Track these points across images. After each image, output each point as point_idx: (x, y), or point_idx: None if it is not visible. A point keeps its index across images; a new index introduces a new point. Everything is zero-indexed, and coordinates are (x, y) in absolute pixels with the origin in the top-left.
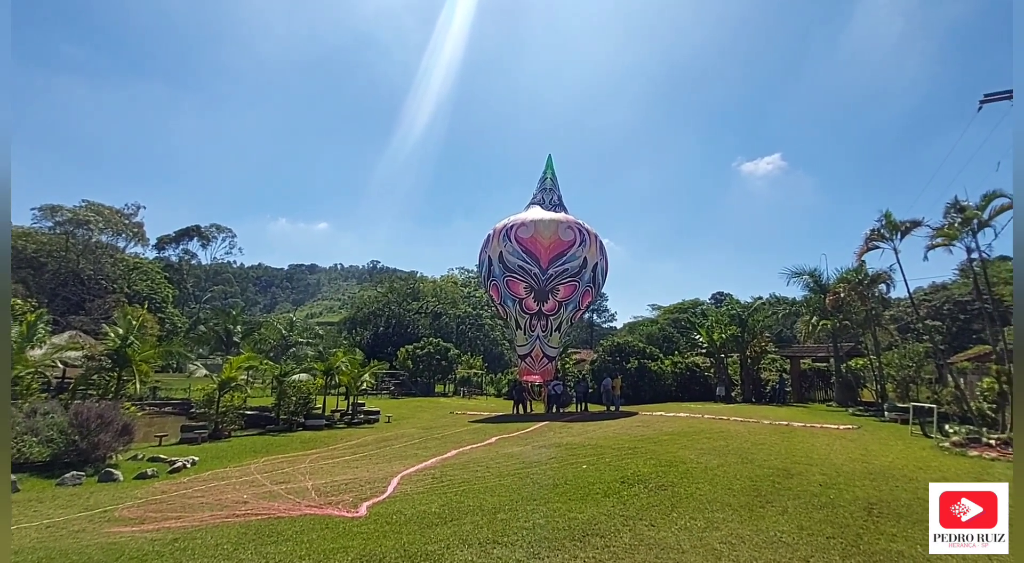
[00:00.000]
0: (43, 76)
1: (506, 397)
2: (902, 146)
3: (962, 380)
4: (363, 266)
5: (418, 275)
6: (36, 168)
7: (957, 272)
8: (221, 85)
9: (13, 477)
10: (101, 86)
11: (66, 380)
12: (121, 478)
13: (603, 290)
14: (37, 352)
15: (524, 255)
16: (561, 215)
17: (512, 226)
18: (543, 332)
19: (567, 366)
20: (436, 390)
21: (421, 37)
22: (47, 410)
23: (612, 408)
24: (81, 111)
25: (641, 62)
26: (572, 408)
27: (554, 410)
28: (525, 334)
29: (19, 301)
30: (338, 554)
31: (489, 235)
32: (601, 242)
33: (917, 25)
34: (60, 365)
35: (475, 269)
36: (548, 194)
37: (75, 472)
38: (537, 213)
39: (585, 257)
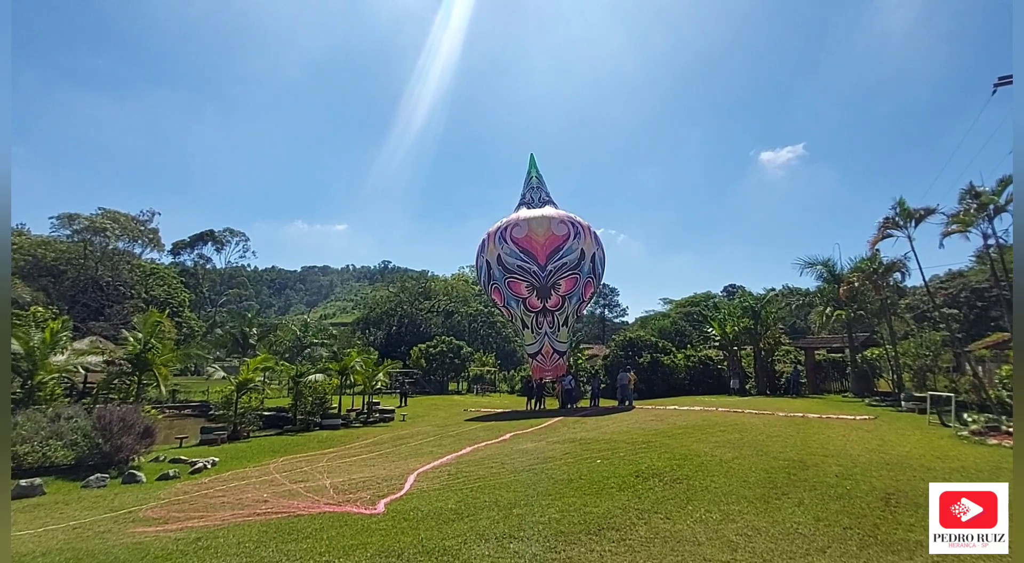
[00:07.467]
0: (63, 88)
1: (519, 394)
2: (921, 133)
3: (980, 368)
4: (375, 266)
5: (429, 274)
6: (55, 177)
7: (974, 259)
8: (229, 90)
9: (39, 481)
10: (114, 96)
11: (88, 385)
12: (144, 479)
13: (615, 286)
14: (60, 358)
15: (521, 254)
16: (552, 211)
17: (505, 227)
18: (550, 328)
19: (580, 362)
20: (450, 388)
21: (431, 38)
22: (71, 414)
23: (626, 403)
24: (97, 120)
25: (655, 54)
26: (585, 403)
27: (568, 406)
28: (533, 333)
29: (40, 309)
30: (357, 550)
31: (484, 240)
32: (595, 233)
33: (934, 8)
34: (82, 370)
35: None
36: (535, 192)
37: (99, 474)
38: (528, 212)
39: (582, 249)
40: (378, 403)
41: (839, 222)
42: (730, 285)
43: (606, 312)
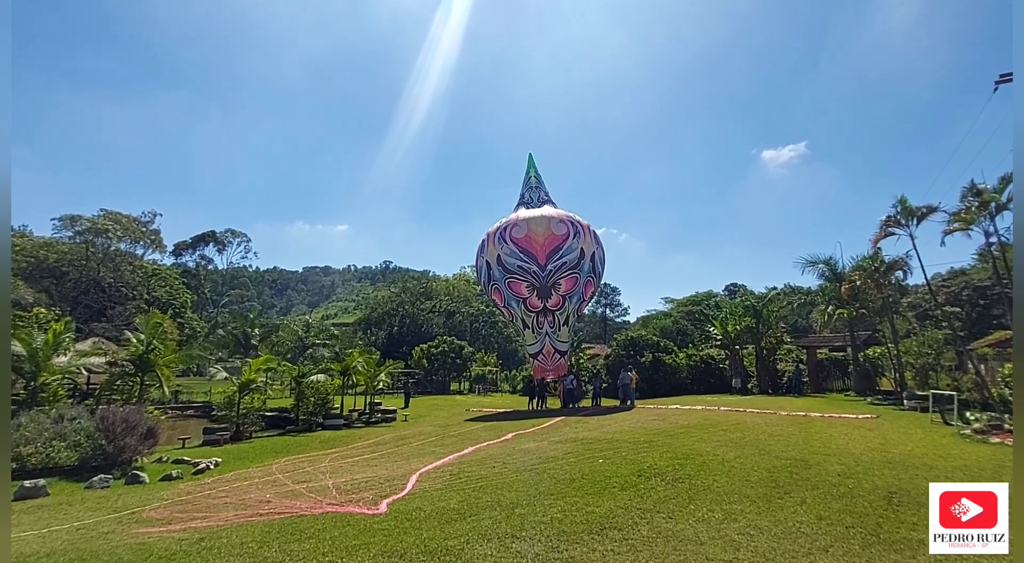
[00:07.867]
0: (64, 89)
1: (521, 394)
2: (923, 131)
3: (983, 366)
4: (376, 266)
5: (431, 274)
6: (57, 178)
7: (976, 257)
8: (229, 91)
9: (42, 482)
10: (115, 97)
11: (91, 386)
12: (147, 480)
13: (616, 285)
14: (63, 359)
15: (521, 254)
16: (551, 210)
17: (505, 228)
18: (551, 328)
19: (581, 361)
20: (451, 388)
21: (431, 37)
22: (74, 415)
23: (628, 402)
24: (98, 121)
25: (655, 54)
26: (586, 403)
27: (570, 406)
28: (534, 333)
29: (43, 310)
30: (360, 550)
31: (483, 240)
32: (595, 232)
33: (934, 7)
34: (84, 372)
35: None
36: (534, 192)
37: (103, 475)
38: (527, 212)
39: (581, 248)
40: (380, 403)
41: (841, 220)
42: (732, 284)
43: (607, 311)
